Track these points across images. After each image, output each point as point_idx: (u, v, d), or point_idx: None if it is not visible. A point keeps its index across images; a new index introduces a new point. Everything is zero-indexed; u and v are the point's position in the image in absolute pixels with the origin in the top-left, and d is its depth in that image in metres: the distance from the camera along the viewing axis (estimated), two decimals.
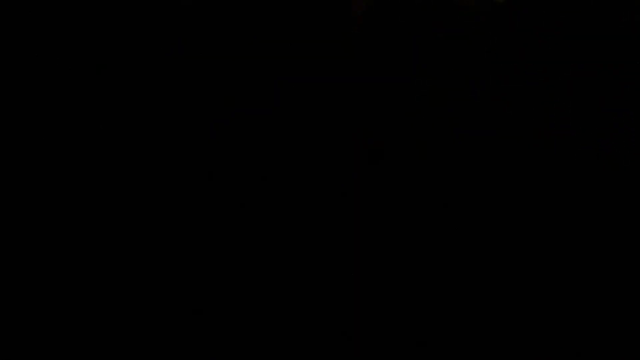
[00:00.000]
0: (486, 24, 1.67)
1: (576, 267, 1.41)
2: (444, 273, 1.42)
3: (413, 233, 1.47)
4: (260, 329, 1.33)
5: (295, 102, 1.64)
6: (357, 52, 1.68)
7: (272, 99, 1.65)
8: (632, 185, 1.49)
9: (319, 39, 1.70)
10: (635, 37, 1.61)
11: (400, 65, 1.67)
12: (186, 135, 1.59)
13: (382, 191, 1.52)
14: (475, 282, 1.40)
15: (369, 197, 1.52)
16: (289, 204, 1.51)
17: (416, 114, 1.61)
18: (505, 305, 1.37)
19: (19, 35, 1.66)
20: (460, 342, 1.32)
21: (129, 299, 1.36)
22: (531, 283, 1.39)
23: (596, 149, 1.53)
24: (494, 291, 1.39)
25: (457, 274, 1.41)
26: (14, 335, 1.29)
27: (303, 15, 1.72)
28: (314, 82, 1.65)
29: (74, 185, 1.51)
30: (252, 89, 1.66)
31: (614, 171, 1.51)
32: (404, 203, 1.51)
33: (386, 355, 1.31)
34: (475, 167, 1.55)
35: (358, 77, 1.67)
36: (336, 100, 1.63)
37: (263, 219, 1.48)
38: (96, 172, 1.53)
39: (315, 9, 1.73)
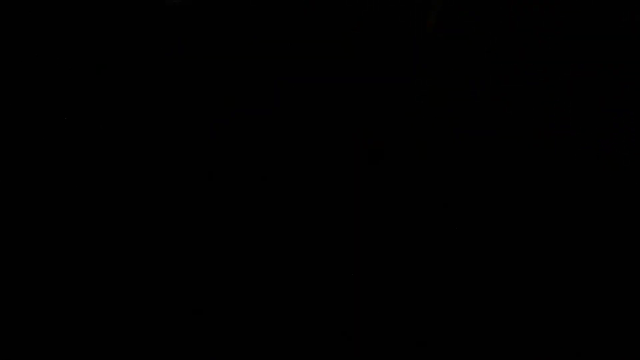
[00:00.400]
0: (486, 23, 1.67)
1: (575, 267, 1.41)
2: (444, 273, 1.42)
3: (413, 233, 1.47)
4: (260, 329, 1.33)
5: (296, 102, 1.64)
6: (358, 52, 1.68)
7: (272, 99, 1.65)
8: (632, 185, 1.49)
9: (319, 39, 1.70)
10: (635, 37, 1.61)
11: (403, 66, 1.67)
12: (186, 135, 1.59)
13: (382, 191, 1.53)
14: (475, 282, 1.40)
15: (369, 197, 1.52)
16: (289, 204, 1.51)
17: (416, 114, 1.61)
18: (505, 305, 1.37)
19: (19, 36, 1.66)
20: (460, 342, 1.32)
21: (130, 299, 1.36)
22: (531, 283, 1.39)
23: (596, 149, 1.53)
24: (493, 291, 1.39)
25: (457, 273, 1.41)
26: (13, 335, 1.29)
27: (302, 15, 1.72)
28: (314, 82, 1.65)
29: (74, 185, 1.51)
30: (252, 89, 1.66)
31: (614, 171, 1.51)
32: (404, 203, 1.51)
33: (386, 355, 1.31)
34: (475, 167, 1.55)
35: (358, 77, 1.67)
36: (336, 100, 1.63)
37: (263, 218, 1.48)
38: (96, 172, 1.53)
39: (315, 9, 1.73)
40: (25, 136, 1.56)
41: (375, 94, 1.64)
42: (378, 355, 1.31)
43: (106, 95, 1.63)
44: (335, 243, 1.45)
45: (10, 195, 1.48)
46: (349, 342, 1.32)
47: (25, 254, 1.40)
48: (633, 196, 1.47)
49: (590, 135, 1.54)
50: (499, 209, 1.50)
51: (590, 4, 1.64)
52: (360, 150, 1.57)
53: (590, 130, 1.55)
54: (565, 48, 1.63)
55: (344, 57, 1.67)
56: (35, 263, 1.39)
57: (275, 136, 1.59)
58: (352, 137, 1.59)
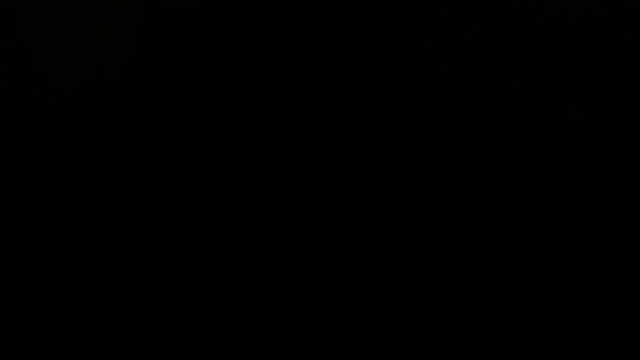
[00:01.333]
0: (485, 23, 1.67)
1: (575, 267, 1.41)
2: (444, 272, 1.42)
3: (413, 233, 1.47)
4: (260, 328, 1.33)
5: (296, 101, 1.64)
6: (358, 52, 1.68)
7: (272, 99, 1.65)
8: (632, 185, 1.49)
9: (320, 39, 1.70)
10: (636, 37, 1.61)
11: (400, 65, 1.67)
12: (187, 135, 1.59)
13: (382, 191, 1.53)
14: (475, 282, 1.40)
15: (369, 196, 1.52)
16: (289, 204, 1.51)
17: (416, 114, 1.62)
18: (505, 305, 1.37)
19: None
20: (460, 342, 1.33)
21: (130, 299, 1.36)
22: (531, 283, 1.39)
23: (596, 149, 1.53)
24: (493, 290, 1.39)
25: (457, 273, 1.42)
26: (14, 335, 1.30)
27: (303, 15, 1.72)
28: (314, 82, 1.65)
29: (74, 185, 1.51)
30: (253, 88, 1.66)
31: (613, 171, 1.51)
32: (404, 203, 1.51)
33: (386, 355, 1.31)
34: (475, 167, 1.55)
35: (358, 77, 1.67)
36: (336, 100, 1.63)
37: (263, 218, 1.49)
38: (97, 172, 1.53)
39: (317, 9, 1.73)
40: (24, 135, 1.56)
41: (375, 94, 1.64)
42: (378, 355, 1.31)
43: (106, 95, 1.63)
44: (335, 243, 1.45)
45: (11, 194, 1.49)
46: (348, 342, 1.32)
47: (25, 253, 1.41)
48: (633, 196, 1.47)
49: (590, 135, 1.54)
50: (498, 209, 1.50)
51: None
52: (360, 150, 1.57)
53: (590, 130, 1.55)
54: (563, 47, 1.63)
55: (343, 57, 1.67)
56: (35, 263, 1.40)
57: (275, 136, 1.59)
58: (352, 137, 1.59)
